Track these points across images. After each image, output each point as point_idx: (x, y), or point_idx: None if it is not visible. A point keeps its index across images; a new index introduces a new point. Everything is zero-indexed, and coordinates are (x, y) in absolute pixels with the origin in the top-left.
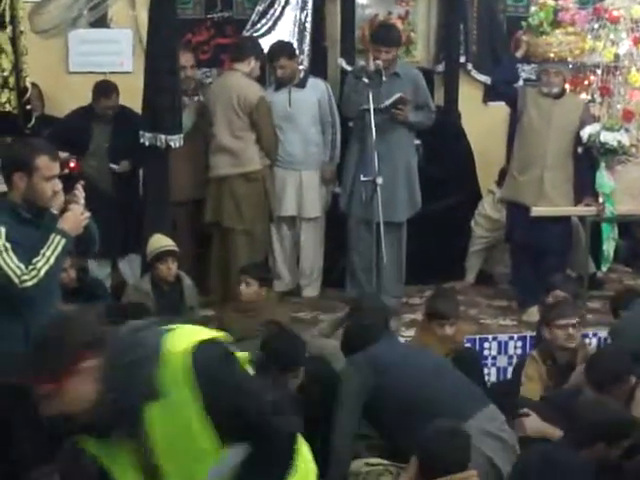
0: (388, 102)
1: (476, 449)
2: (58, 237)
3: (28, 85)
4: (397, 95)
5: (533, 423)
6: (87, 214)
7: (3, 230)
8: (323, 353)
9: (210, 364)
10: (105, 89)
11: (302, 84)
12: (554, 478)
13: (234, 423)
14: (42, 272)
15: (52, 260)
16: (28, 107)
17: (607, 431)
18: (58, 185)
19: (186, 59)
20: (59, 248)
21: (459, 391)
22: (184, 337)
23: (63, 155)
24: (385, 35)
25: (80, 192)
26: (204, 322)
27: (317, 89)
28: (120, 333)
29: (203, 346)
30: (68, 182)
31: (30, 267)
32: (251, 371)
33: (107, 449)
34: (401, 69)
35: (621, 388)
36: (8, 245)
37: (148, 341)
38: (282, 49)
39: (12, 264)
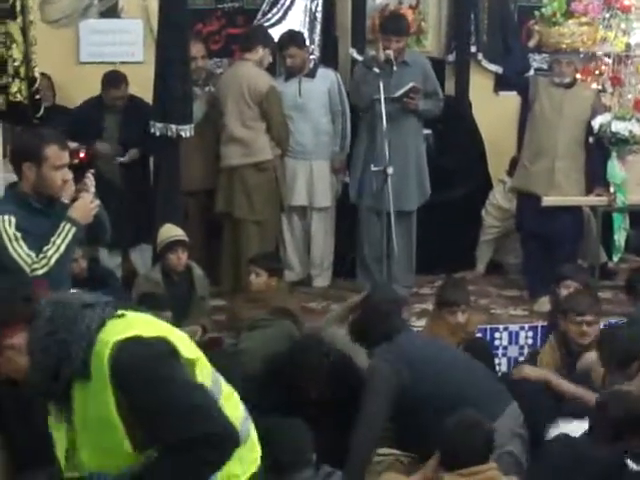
0: (401, 91)
1: (507, 451)
2: (68, 225)
3: (37, 75)
4: (410, 84)
5: (531, 369)
6: (97, 202)
7: (13, 219)
8: (335, 343)
9: (128, 363)
10: (114, 80)
11: (312, 74)
12: (584, 475)
13: (148, 426)
14: (52, 260)
15: (62, 248)
16: (37, 97)
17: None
18: (68, 174)
19: (197, 49)
20: (69, 236)
21: (488, 388)
22: (120, 328)
23: (73, 145)
24: (395, 25)
25: (90, 181)
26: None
27: (327, 79)
28: (57, 306)
29: (128, 344)
30: (78, 172)
31: (41, 255)
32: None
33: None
34: (410, 58)
35: (633, 368)
36: (18, 234)
37: (87, 320)
38: (292, 38)
39: (22, 253)
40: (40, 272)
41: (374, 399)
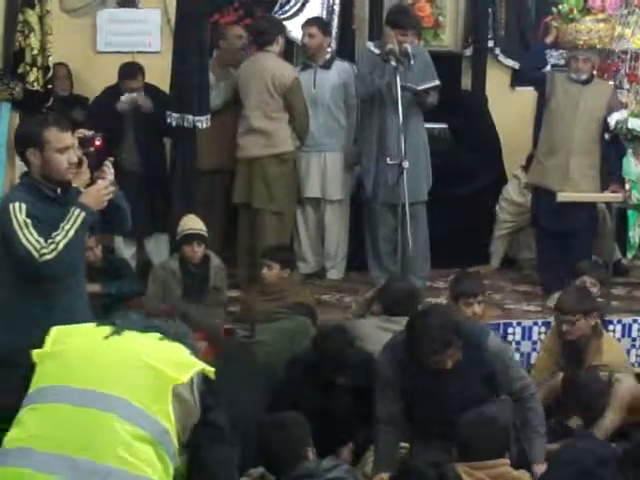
0: (426, 86)
1: None
2: (78, 210)
3: (51, 64)
4: (436, 82)
5: None
6: (111, 189)
7: (24, 206)
8: (356, 335)
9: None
10: (130, 71)
11: (328, 66)
12: None
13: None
14: (61, 245)
15: (71, 233)
16: (49, 86)
17: None
18: (73, 157)
19: (239, 31)
20: (78, 221)
21: None
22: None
23: (88, 133)
24: (410, 19)
25: (109, 168)
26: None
27: (343, 71)
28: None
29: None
30: (97, 159)
31: (49, 241)
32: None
33: None
34: (412, 49)
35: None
36: (29, 221)
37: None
38: (316, 19)
39: (32, 239)
40: (49, 257)
41: (378, 398)
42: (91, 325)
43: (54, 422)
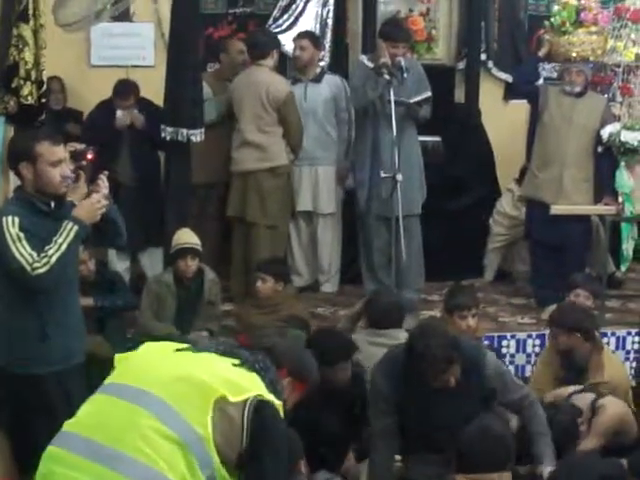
0: (418, 98)
1: None
2: (70, 224)
3: (44, 79)
4: (427, 94)
5: None
6: (104, 202)
7: (17, 219)
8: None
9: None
10: (123, 89)
11: (318, 79)
12: None
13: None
14: (53, 259)
15: (64, 247)
16: (43, 100)
17: None
18: (66, 170)
19: (240, 46)
20: (71, 235)
21: None
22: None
23: (80, 147)
24: (402, 32)
25: (103, 182)
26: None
27: (333, 85)
28: None
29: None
30: (91, 173)
31: (42, 254)
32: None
33: None
34: (405, 63)
35: None
36: (22, 234)
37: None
38: (308, 32)
39: (25, 252)
40: (41, 271)
41: (373, 412)
42: (173, 342)
43: (95, 411)
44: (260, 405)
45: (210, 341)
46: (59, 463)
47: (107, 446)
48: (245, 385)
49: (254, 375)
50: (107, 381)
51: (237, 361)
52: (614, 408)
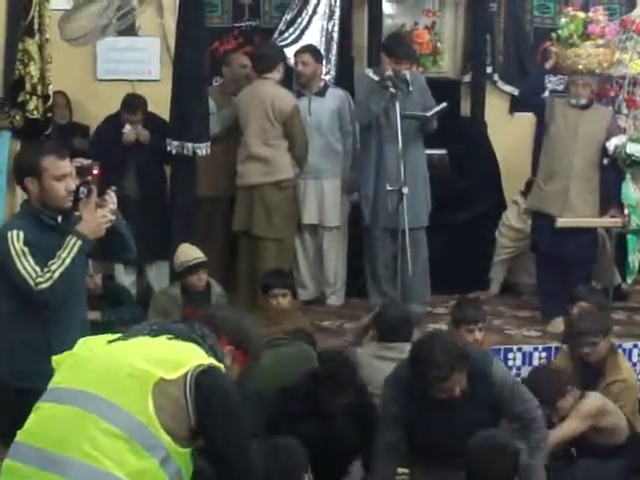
0: (433, 111)
1: None
2: (74, 239)
3: (50, 93)
4: (443, 104)
5: None
6: (110, 217)
7: (22, 234)
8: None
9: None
10: (131, 103)
11: (322, 93)
12: None
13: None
14: (56, 274)
15: (67, 262)
16: (49, 115)
17: None
18: (72, 185)
19: (243, 59)
20: (75, 250)
21: None
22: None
23: (86, 162)
24: (407, 48)
25: (110, 197)
26: None
27: (337, 98)
28: None
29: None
30: (98, 188)
31: (45, 269)
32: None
33: None
34: (409, 76)
35: None
36: (26, 249)
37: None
38: (310, 47)
39: (29, 267)
40: (45, 286)
41: (381, 429)
42: (105, 335)
43: (40, 419)
44: (200, 376)
45: (142, 324)
46: (15, 476)
47: (55, 453)
48: (181, 358)
49: (190, 344)
50: (49, 386)
51: (170, 336)
52: (597, 397)
